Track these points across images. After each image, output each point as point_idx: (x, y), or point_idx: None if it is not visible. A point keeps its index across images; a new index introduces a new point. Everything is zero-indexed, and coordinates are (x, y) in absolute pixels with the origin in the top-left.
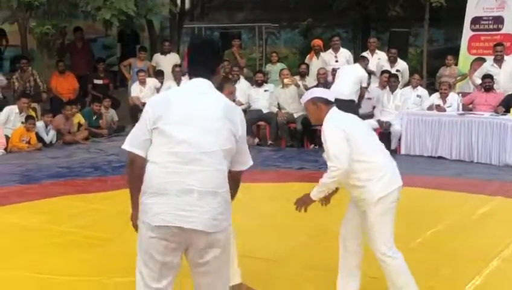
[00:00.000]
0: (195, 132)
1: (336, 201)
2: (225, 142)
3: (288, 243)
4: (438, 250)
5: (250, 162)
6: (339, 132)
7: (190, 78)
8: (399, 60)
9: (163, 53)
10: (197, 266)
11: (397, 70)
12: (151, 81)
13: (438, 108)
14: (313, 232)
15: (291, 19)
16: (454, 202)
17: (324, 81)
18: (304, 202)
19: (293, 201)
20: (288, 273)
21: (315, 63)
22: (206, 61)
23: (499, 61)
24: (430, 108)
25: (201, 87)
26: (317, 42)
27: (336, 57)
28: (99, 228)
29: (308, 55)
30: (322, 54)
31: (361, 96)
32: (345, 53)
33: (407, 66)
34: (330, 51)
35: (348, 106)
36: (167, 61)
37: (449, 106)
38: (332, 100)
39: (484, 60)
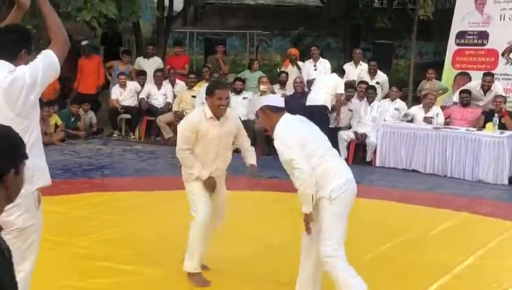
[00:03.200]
0: None
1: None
2: None
3: (243, 254)
4: (389, 265)
5: None
6: (291, 137)
7: None
8: (379, 72)
9: (147, 56)
10: None
11: (377, 83)
12: (132, 84)
13: (426, 120)
14: (272, 242)
15: (282, 27)
16: (418, 216)
17: (301, 90)
18: (306, 222)
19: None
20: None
21: (291, 72)
22: (6, 46)
23: (485, 90)
24: (405, 116)
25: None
26: (293, 51)
27: (315, 66)
28: (54, 231)
29: (284, 63)
30: (301, 63)
31: (337, 102)
32: (324, 62)
33: (387, 78)
34: (310, 60)
35: (320, 111)
36: (150, 65)
37: (431, 117)
38: (282, 106)
39: (468, 75)
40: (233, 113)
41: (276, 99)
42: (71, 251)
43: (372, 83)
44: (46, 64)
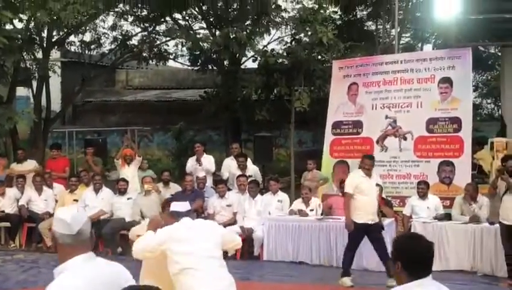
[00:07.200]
0: None
1: None
2: None
3: None
4: None
5: None
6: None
7: None
8: (249, 166)
9: (19, 161)
10: None
11: (249, 176)
12: (11, 191)
13: (301, 212)
14: None
15: (163, 122)
16: None
17: (191, 188)
18: None
19: None
20: None
21: (126, 172)
22: None
23: (367, 175)
24: (291, 212)
25: None
26: (128, 152)
27: (199, 162)
28: None
29: (119, 163)
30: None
31: None
32: (208, 158)
33: (257, 169)
34: (194, 156)
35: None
36: (23, 168)
37: (312, 210)
38: (181, 211)
39: (346, 163)
40: None
41: (179, 206)
42: None
43: None
44: None
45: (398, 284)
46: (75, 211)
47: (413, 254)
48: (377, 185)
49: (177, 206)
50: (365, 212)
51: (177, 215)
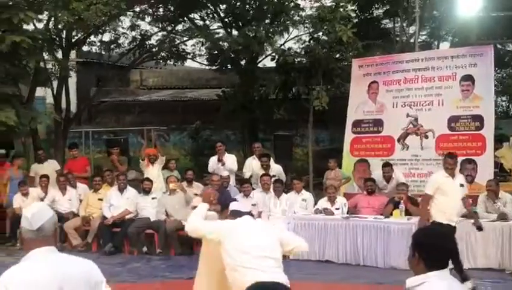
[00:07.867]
0: None
1: None
2: None
3: None
4: None
5: None
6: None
7: None
8: (272, 165)
9: (40, 162)
10: None
11: (273, 176)
12: (35, 191)
13: (326, 211)
14: None
15: (180, 121)
16: None
17: (218, 188)
18: None
19: None
20: None
21: (151, 171)
22: None
23: (450, 175)
24: (316, 211)
25: None
26: (151, 151)
27: (220, 161)
28: None
29: (145, 163)
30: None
31: None
32: (229, 157)
33: (281, 168)
34: (215, 156)
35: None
36: (44, 169)
37: (337, 208)
38: (241, 211)
39: (367, 161)
40: None
41: (240, 205)
42: None
43: None
44: None
45: (416, 274)
46: (38, 209)
47: (432, 247)
48: (461, 185)
49: (238, 205)
50: (448, 213)
51: (238, 215)
